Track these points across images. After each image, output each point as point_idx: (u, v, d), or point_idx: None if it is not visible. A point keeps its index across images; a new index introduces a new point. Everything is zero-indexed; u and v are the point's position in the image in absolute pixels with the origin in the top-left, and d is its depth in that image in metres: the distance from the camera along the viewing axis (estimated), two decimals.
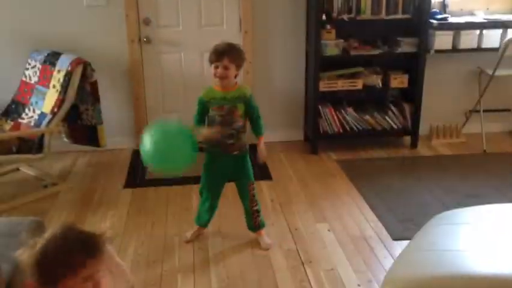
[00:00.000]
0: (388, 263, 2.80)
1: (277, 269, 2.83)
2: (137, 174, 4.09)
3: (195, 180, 3.69)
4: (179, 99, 4.56)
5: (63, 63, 3.70)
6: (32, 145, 3.61)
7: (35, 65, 3.89)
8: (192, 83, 4.48)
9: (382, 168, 4.19)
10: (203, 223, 3.13)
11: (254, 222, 3.08)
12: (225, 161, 2.95)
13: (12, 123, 3.87)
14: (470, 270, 1.98)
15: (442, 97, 4.78)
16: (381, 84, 4.47)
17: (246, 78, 4.56)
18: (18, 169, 4.08)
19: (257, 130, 2.97)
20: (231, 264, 2.88)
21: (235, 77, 2.81)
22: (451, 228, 2.35)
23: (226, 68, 2.71)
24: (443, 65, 4.70)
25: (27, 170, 4.05)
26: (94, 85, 3.79)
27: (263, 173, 4.14)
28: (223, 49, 2.72)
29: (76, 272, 1.28)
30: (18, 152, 3.58)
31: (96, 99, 3.81)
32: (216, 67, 2.74)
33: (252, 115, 2.91)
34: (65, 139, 4.05)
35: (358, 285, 2.67)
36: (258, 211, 3.08)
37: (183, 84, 4.55)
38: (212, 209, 3.09)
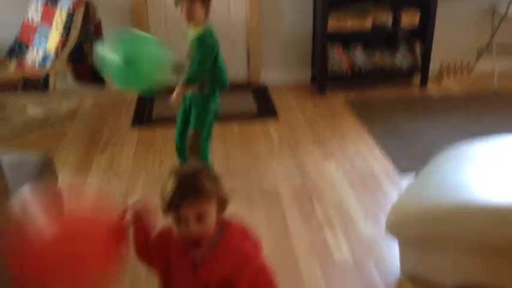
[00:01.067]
0: (395, 197, 2.80)
1: (285, 205, 2.85)
2: (144, 114, 4.08)
3: None
4: (183, 38, 4.47)
5: (65, 4, 3.62)
6: (37, 85, 3.59)
7: (37, 6, 3.81)
8: None
9: (391, 108, 4.14)
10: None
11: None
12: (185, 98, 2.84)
13: (16, 62, 3.83)
14: (476, 200, 1.97)
15: (453, 35, 4.66)
16: (390, 23, 4.35)
17: (252, 16, 4.45)
18: (25, 108, 4.07)
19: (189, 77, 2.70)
20: (240, 202, 2.90)
21: (206, 13, 2.60)
22: (458, 161, 2.33)
23: (190, 5, 2.50)
24: (456, 1, 4.55)
25: (33, 110, 4.04)
26: (98, 25, 3.72)
27: (270, 112, 4.11)
28: None
29: (198, 205, 1.23)
30: (23, 91, 3.57)
31: (100, 39, 3.74)
32: (180, 7, 2.55)
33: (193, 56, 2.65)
34: (70, 79, 4.02)
35: (365, 217, 2.69)
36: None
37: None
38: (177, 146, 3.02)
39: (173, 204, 1.22)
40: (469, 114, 3.96)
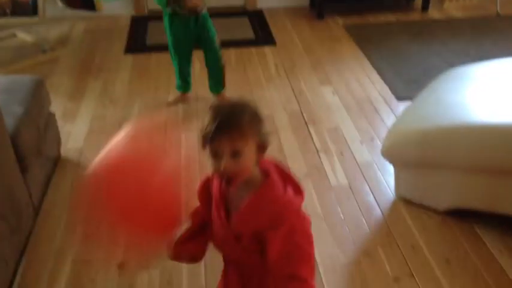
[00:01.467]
0: (392, 122, 2.79)
1: (280, 128, 2.84)
2: (137, 40, 3.98)
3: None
4: None
5: None
6: (26, 8, 3.47)
7: None
8: None
9: (391, 33, 4.04)
10: (181, 88, 3.12)
11: (219, 81, 3.07)
12: (189, 23, 2.85)
13: None
14: (472, 121, 1.96)
15: None
16: None
17: None
18: (15, 35, 3.96)
19: None
20: None
21: None
22: (458, 83, 2.30)
23: None
24: None
25: (24, 36, 3.93)
26: None
27: (267, 37, 4.02)
28: None
29: (233, 140, 1.12)
30: (12, 15, 3.45)
31: None
32: None
33: None
34: (60, 3, 3.88)
35: (361, 142, 2.70)
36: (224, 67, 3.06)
37: None
38: (183, 73, 3.05)
39: (208, 137, 1.13)
40: (470, 39, 3.88)
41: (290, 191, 1.19)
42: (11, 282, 1.86)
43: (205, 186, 1.29)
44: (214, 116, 1.14)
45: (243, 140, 1.12)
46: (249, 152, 1.14)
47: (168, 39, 2.95)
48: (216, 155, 1.14)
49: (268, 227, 1.15)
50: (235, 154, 1.12)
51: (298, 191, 1.22)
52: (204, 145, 1.17)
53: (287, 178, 1.23)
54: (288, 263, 1.15)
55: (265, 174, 1.19)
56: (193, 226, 1.30)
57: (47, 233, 2.14)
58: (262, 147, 1.18)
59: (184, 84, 3.10)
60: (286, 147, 2.68)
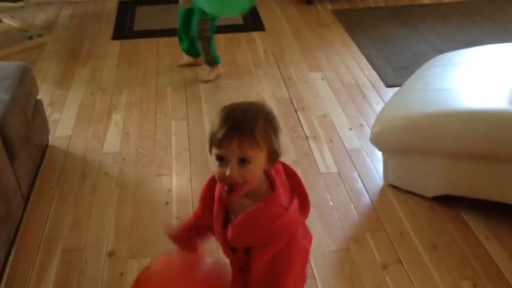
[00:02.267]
0: (381, 108, 2.79)
1: None
2: (125, 26, 3.93)
3: None
4: None
5: None
6: None
7: None
8: None
9: (379, 18, 4.04)
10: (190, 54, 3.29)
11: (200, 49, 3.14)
12: None
13: None
14: (463, 106, 1.98)
15: None
16: None
17: None
18: (0, 21, 3.90)
19: None
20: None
21: None
22: (446, 69, 2.32)
23: None
24: None
25: (9, 21, 3.87)
26: None
27: (255, 23, 4.00)
28: None
29: (242, 147, 1.03)
30: None
31: None
32: None
33: None
34: None
35: (350, 128, 2.71)
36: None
37: None
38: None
39: (216, 140, 1.03)
40: (458, 24, 3.89)
41: (295, 205, 1.10)
42: (1, 272, 1.86)
43: (210, 188, 1.22)
44: (225, 118, 1.03)
45: (254, 148, 1.02)
46: (258, 161, 1.04)
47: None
48: (222, 161, 1.05)
49: (259, 244, 1.08)
50: (243, 162, 1.03)
51: (304, 204, 1.14)
52: (210, 147, 1.07)
53: (296, 188, 1.16)
54: (267, 286, 1.08)
55: (272, 186, 1.10)
56: (190, 223, 1.29)
57: (36, 221, 2.13)
58: (273, 158, 1.08)
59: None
60: None
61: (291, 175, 1.18)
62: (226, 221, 1.15)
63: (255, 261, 1.08)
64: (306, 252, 1.19)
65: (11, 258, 1.95)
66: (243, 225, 1.09)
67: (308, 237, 1.20)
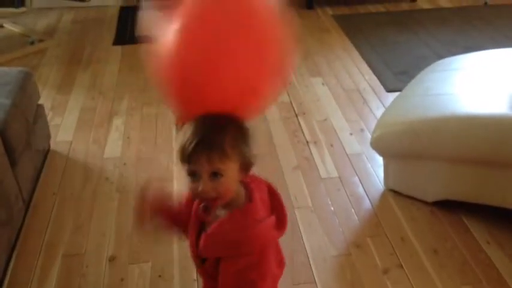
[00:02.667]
0: (381, 113, 2.80)
1: (271, 120, 2.84)
2: (126, 31, 3.95)
3: None
4: None
5: None
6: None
7: None
8: None
9: (380, 23, 4.05)
10: None
11: None
12: None
13: None
14: (463, 111, 1.98)
15: None
16: None
17: None
18: (1, 26, 3.91)
19: None
20: None
21: None
22: (446, 74, 2.32)
23: None
24: None
25: (11, 27, 3.89)
26: None
27: None
28: None
29: (212, 161, 1.00)
30: None
31: None
32: None
33: None
34: None
35: (351, 133, 2.71)
36: None
37: None
38: None
39: (185, 154, 0.99)
40: (458, 29, 3.90)
41: (271, 220, 1.07)
42: (2, 276, 1.86)
43: (190, 199, 1.19)
44: (195, 131, 1.00)
45: (224, 161, 0.99)
46: (230, 172, 1.01)
47: None
48: (194, 176, 1.01)
49: (228, 255, 1.04)
50: (215, 175, 1.00)
51: (281, 223, 1.10)
52: (181, 162, 1.03)
53: (277, 207, 1.12)
54: None
55: (250, 199, 1.07)
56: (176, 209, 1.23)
57: (37, 226, 2.14)
58: (246, 167, 1.06)
59: None
60: (276, 139, 2.68)
61: (273, 194, 1.15)
62: (200, 231, 1.13)
63: (223, 274, 1.06)
64: (275, 277, 1.13)
65: (12, 263, 1.95)
66: (215, 234, 1.06)
67: (280, 261, 1.14)
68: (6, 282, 1.88)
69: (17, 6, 3.41)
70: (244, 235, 1.03)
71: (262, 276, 1.05)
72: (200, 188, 1.01)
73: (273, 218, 1.08)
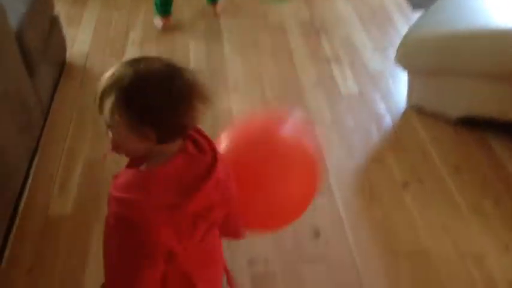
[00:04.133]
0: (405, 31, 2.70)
1: (291, 38, 2.76)
2: None
3: None
4: None
5: None
6: None
7: None
8: None
9: None
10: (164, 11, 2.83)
11: None
12: None
13: None
14: (491, 25, 1.89)
15: None
16: None
17: None
18: None
19: None
20: (245, 37, 2.79)
21: None
22: None
23: None
24: None
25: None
26: None
27: None
28: None
29: (101, 111, 0.90)
30: None
31: None
32: None
33: None
34: None
35: (373, 51, 2.63)
36: None
37: None
38: None
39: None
40: None
41: (162, 197, 0.89)
42: (24, 180, 1.89)
43: None
44: (109, 75, 0.89)
45: (112, 116, 0.88)
46: (119, 129, 0.89)
47: None
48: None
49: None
50: (108, 126, 0.91)
51: (186, 192, 0.90)
52: None
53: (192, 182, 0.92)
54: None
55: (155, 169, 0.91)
56: None
57: (57, 135, 2.14)
58: (140, 131, 0.88)
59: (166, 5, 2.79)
60: (296, 56, 2.61)
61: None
62: None
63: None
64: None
65: (33, 169, 1.97)
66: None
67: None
68: (29, 183, 1.91)
69: None
70: (111, 195, 0.92)
71: (116, 249, 0.92)
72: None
73: (168, 198, 0.90)
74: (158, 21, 2.82)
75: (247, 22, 2.91)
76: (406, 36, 2.13)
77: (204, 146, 0.97)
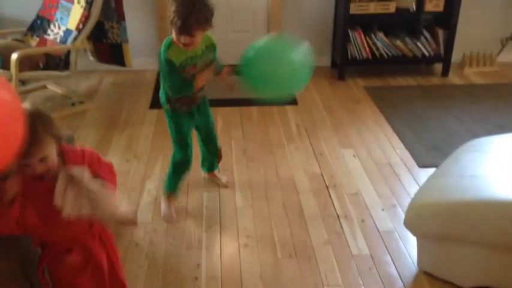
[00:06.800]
0: (414, 189, 2.79)
1: (301, 192, 2.85)
2: None
3: (221, 102, 3.70)
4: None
5: None
6: (58, 62, 3.60)
7: None
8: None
9: (411, 96, 4.09)
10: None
11: (218, 160, 2.92)
12: (193, 114, 2.61)
13: (38, 39, 3.84)
14: (500, 195, 1.95)
15: (477, 23, 4.57)
16: (414, 7, 4.27)
17: None
18: (45, 87, 4.09)
19: (220, 67, 2.55)
20: (256, 188, 2.90)
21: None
22: (481, 154, 2.31)
23: (192, 36, 2.25)
24: None
25: (54, 88, 4.06)
26: (119, 1, 3.70)
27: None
28: (189, 18, 2.18)
29: (39, 152, 1.44)
30: (45, 68, 3.58)
31: (121, 16, 3.73)
32: (180, 34, 2.24)
33: (214, 59, 2.52)
34: (91, 57, 4.02)
35: (382, 209, 2.69)
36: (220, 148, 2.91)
37: None
38: (190, 161, 2.70)
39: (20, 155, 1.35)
40: (491, 105, 3.90)
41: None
42: None
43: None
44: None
45: (47, 148, 1.43)
46: (52, 151, 1.46)
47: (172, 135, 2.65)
48: (25, 168, 1.43)
49: None
50: (43, 160, 1.44)
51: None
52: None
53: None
54: None
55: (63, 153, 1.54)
56: None
57: None
58: (59, 140, 1.48)
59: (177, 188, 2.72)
60: (306, 211, 2.68)
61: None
62: None
63: None
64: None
65: None
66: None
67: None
68: None
69: (62, 70, 3.58)
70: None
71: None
72: (35, 171, 1.47)
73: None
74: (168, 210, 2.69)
75: (258, 172, 3.03)
76: (413, 202, 2.20)
77: None
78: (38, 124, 1.41)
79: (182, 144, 2.64)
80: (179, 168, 2.69)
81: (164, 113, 2.64)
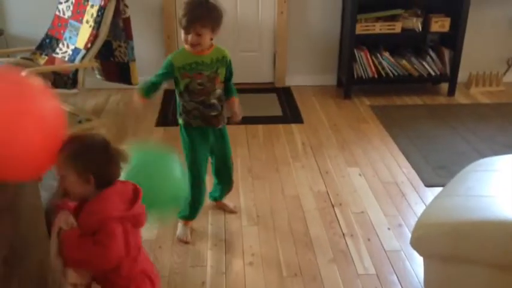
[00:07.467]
0: (420, 208, 2.77)
1: (307, 210, 2.84)
2: (169, 113, 4.10)
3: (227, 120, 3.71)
4: None
5: None
6: (66, 80, 3.63)
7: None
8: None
9: (417, 116, 4.09)
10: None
11: (228, 192, 2.82)
12: (208, 135, 2.54)
13: (46, 57, 3.88)
14: (508, 215, 1.93)
15: (483, 43, 4.59)
16: (420, 28, 4.30)
17: (280, 18, 4.45)
18: None
19: (232, 91, 2.53)
20: (261, 203, 2.90)
21: (211, 39, 2.34)
22: (488, 174, 2.30)
23: (198, 34, 2.25)
24: (487, 9, 4.47)
25: (61, 106, 4.09)
26: (127, 21, 3.74)
27: (294, 115, 4.11)
28: (194, 14, 2.22)
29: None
30: (53, 86, 3.62)
31: (129, 35, 3.77)
32: (187, 33, 2.27)
33: (229, 79, 2.49)
34: (98, 76, 4.06)
35: (388, 228, 2.67)
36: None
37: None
38: (203, 190, 2.60)
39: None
40: (497, 125, 3.90)
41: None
42: None
43: None
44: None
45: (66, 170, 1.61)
46: (72, 179, 1.62)
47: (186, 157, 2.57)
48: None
49: None
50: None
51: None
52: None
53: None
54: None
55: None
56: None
57: None
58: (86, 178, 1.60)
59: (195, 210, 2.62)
60: (312, 230, 2.66)
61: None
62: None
63: None
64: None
65: None
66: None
67: None
68: None
69: (69, 88, 3.61)
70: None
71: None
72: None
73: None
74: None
75: (264, 190, 3.03)
76: (419, 222, 2.18)
77: None
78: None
79: (194, 174, 2.49)
80: (192, 208, 2.58)
81: (179, 133, 2.60)
